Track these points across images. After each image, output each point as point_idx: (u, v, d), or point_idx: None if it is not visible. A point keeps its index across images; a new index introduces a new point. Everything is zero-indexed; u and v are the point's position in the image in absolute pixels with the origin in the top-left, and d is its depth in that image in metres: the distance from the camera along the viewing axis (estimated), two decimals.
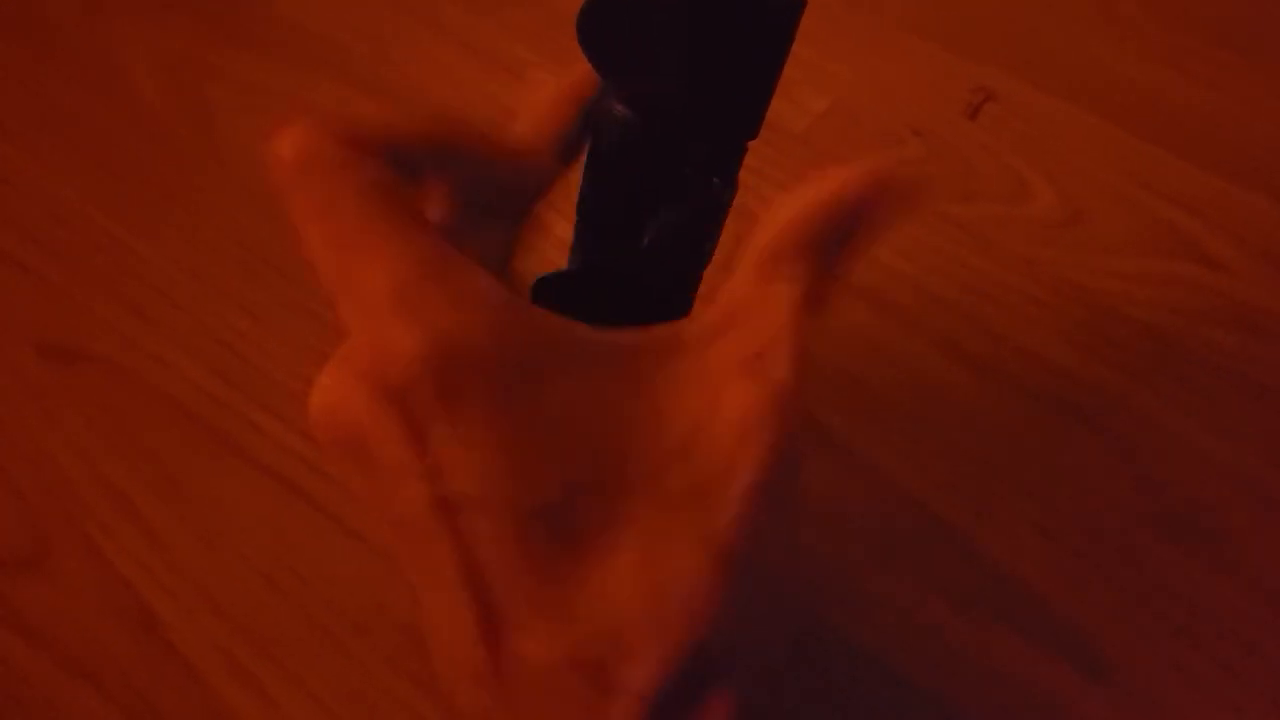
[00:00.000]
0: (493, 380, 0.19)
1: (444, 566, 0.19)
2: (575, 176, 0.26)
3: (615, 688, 0.19)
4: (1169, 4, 0.50)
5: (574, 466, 0.20)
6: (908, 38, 0.49)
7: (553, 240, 0.27)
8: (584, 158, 0.27)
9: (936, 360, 0.39)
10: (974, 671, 0.32)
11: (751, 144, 0.27)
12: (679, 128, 0.28)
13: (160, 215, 0.43)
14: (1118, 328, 0.40)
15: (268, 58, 0.48)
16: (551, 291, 0.27)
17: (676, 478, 0.20)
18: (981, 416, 0.37)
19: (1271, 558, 0.34)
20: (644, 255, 0.28)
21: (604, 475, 0.20)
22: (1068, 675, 0.32)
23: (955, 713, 0.31)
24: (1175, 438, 0.37)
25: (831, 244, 0.23)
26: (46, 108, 0.47)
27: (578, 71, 0.26)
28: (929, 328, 0.40)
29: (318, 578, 0.33)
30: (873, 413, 0.37)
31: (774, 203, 0.22)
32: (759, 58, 0.28)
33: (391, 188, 0.21)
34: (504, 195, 0.25)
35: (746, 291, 0.22)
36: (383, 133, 0.21)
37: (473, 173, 0.24)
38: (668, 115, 0.27)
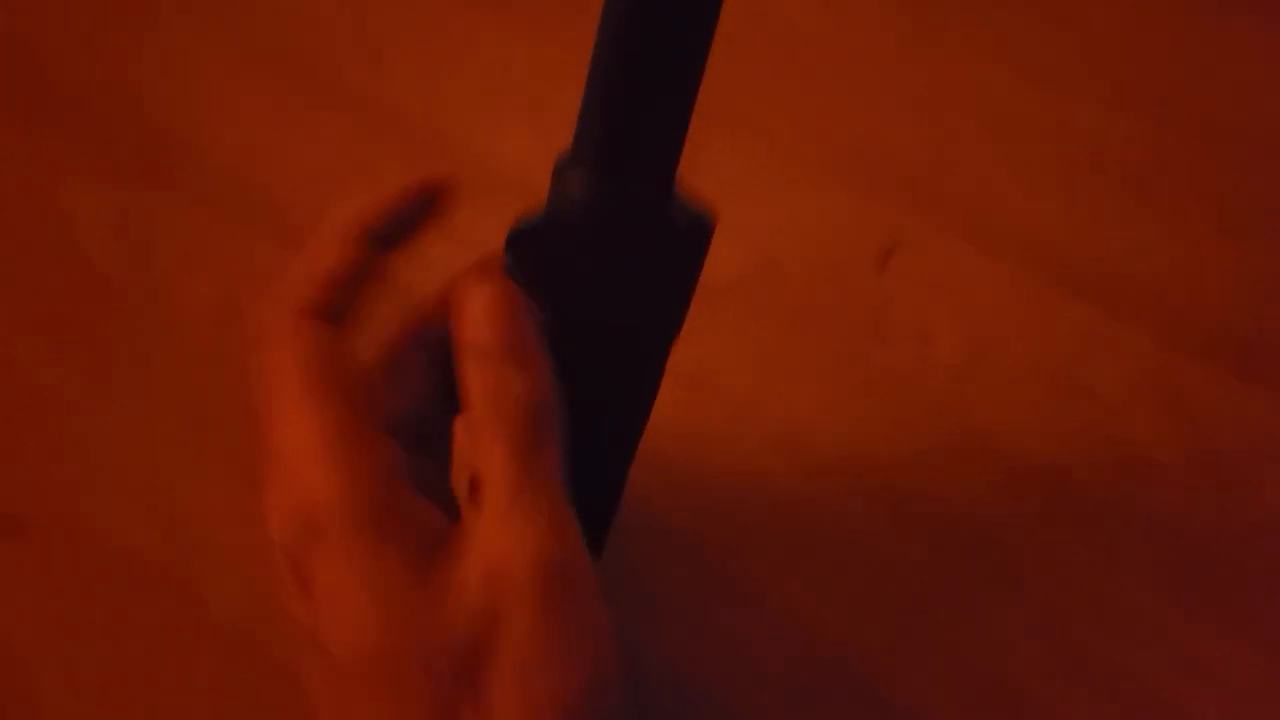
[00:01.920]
0: (336, 536, 0.23)
1: None
2: None
3: None
4: (1073, 142, 0.54)
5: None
6: (824, 185, 0.52)
7: None
8: None
9: (847, 506, 0.41)
10: None
11: None
12: (603, 341, 0.30)
13: (108, 374, 0.45)
14: (1021, 471, 0.42)
15: (211, 214, 0.50)
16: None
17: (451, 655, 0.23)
18: (893, 562, 0.40)
19: (1181, 702, 0.37)
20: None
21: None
22: None
23: None
24: (1078, 581, 0.39)
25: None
26: None
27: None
28: (839, 474, 0.42)
29: None
30: (784, 558, 0.40)
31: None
32: (675, 279, 0.30)
33: (323, 358, 0.25)
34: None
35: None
36: (325, 290, 0.27)
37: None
38: (592, 331, 0.30)
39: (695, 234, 0.30)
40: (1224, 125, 0.53)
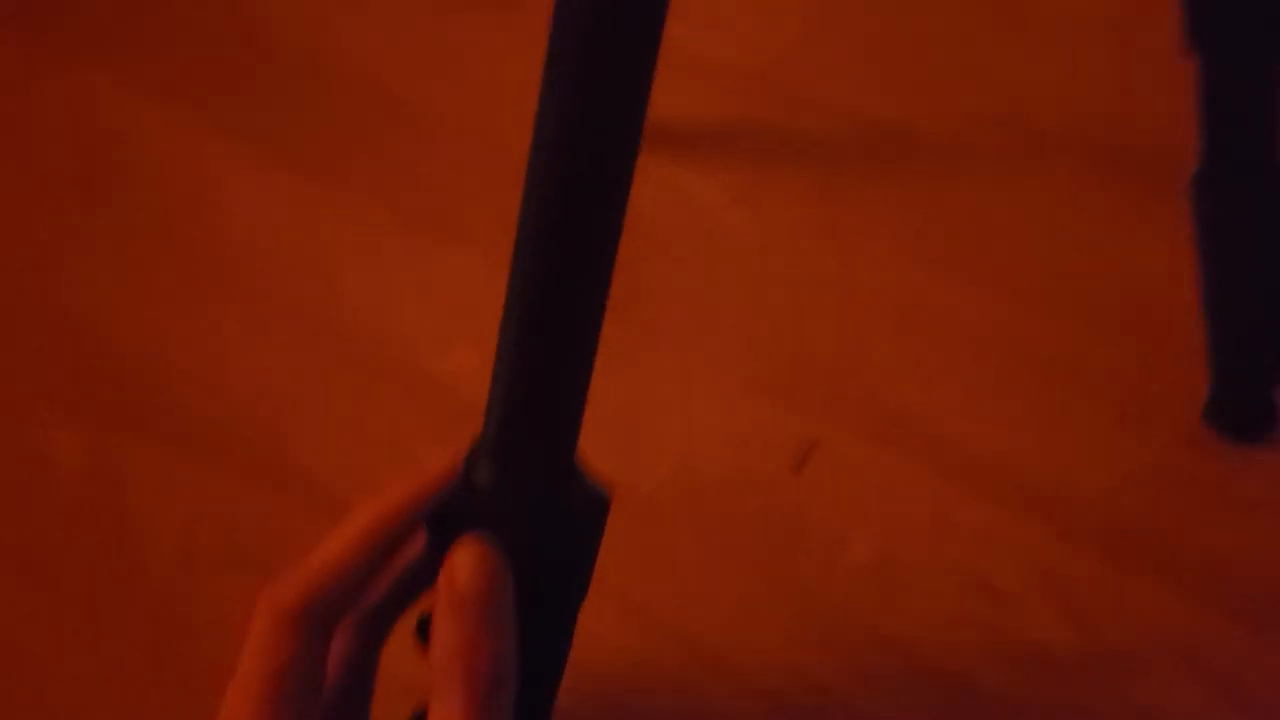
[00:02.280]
0: None
1: None
2: None
3: None
4: (977, 335, 0.58)
5: None
6: (740, 390, 0.56)
7: None
8: None
9: (758, 712, 0.44)
10: None
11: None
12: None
13: (75, 621, 0.48)
14: (923, 673, 0.45)
15: (179, 451, 0.54)
16: None
17: None
18: None
19: None
20: None
21: None
22: None
23: None
24: None
25: None
26: None
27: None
28: (752, 679, 0.45)
29: None
30: None
31: None
32: (577, 551, 0.34)
33: (286, 675, 0.28)
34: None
35: None
36: (324, 595, 0.30)
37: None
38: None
39: (593, 510, 0.34)
40: (1119, 315, 0.58)
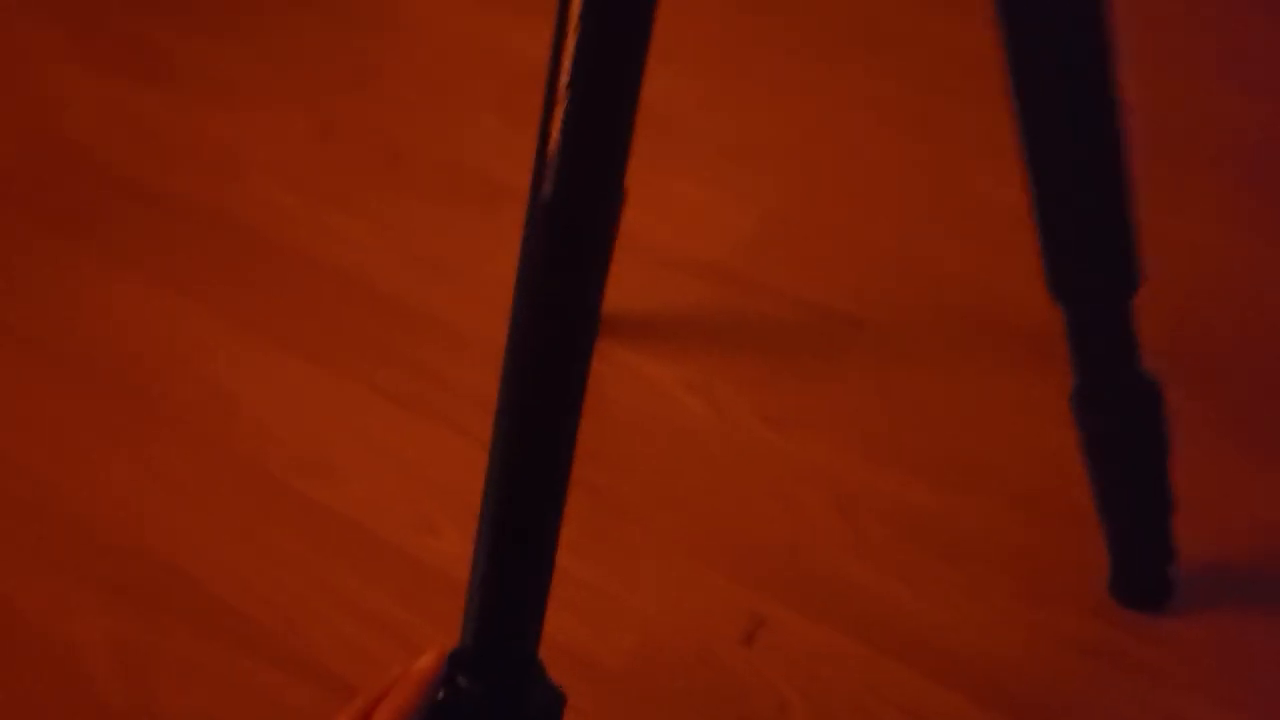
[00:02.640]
0: None
1: None
2: None
3: None
4: (905, 518, 0.64)
5: None
6: (698, 566, 0.62)
7: None
8: None
9: None
10: None
11: (573, 689, 0.39)
12: None
13: None
14: None
15: (205, 640, 0.61)
16: None
17: None
18: None
19: None
20: None
21: None
22: None
23: None
24: None
25: None
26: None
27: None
28: None
29: None
30: None
31: None
32: None
33: None
34: None
35: None
36: None
37: None
38: None
39: (552, 709, 0.41)
40: (1035, 496, 0.64)
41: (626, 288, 0.77)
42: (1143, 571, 0.58)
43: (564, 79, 0.33)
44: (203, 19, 1.08)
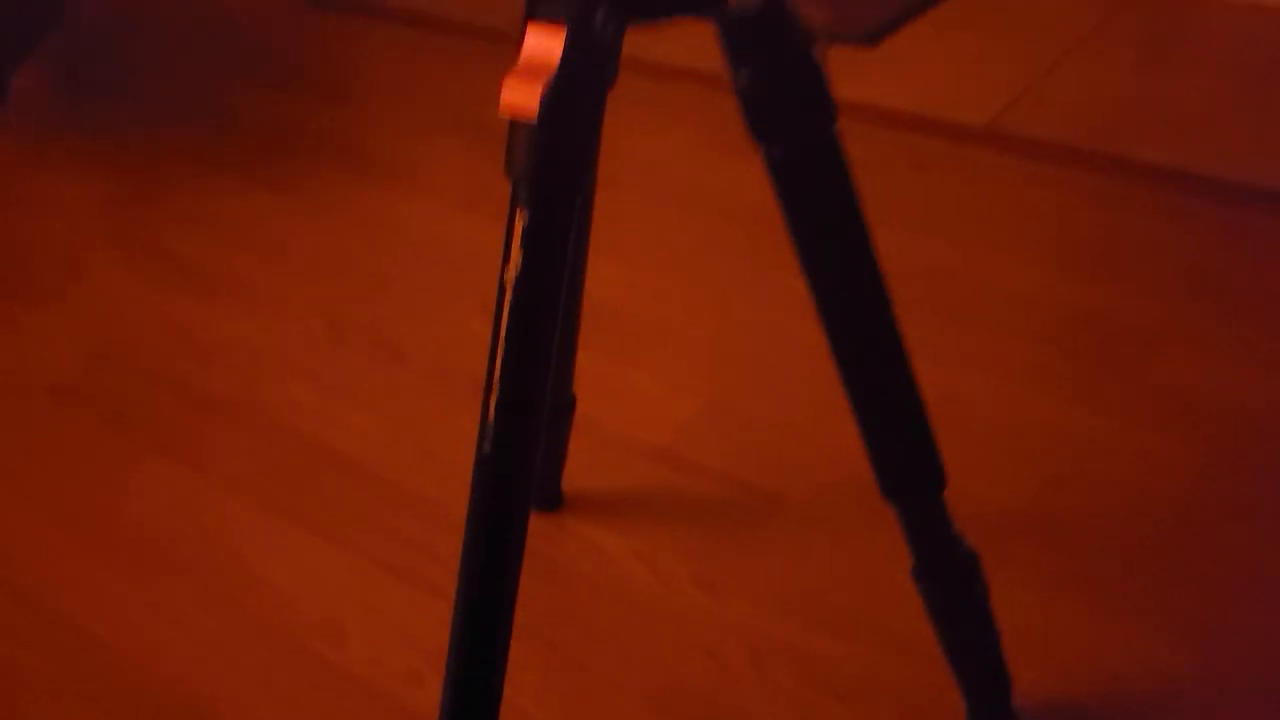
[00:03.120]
0: None
1: None
2: None
3: None
4: (807, 668, 0.77)
5: None
6: (635, 708, 0.75)
7: None
8: None
9: None
10: None
11: None
12: None
13: None
14: None
15: None
16: None
17: None
18: None
19: None
20: None
21: None
22: None
23: None
24: None
25: None
26: None
27: None
28: None
29: None
30: None
31: None
32: None
33: None
34: None
35: None
36: None
37: None
38: None
39: None
40: (910, 640, 0.77)
41: (585, 469, 0.93)
42: (988, 708, 0.71)
43: (496, 377, 0.48)
44: (239, 238, 1.27)
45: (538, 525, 0.87)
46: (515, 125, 0.46)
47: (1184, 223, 1.25)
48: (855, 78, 1.61)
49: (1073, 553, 0.83)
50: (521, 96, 0.45)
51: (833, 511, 0.88)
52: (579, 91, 0.45)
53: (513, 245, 0.47)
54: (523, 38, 0.45)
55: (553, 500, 0.89)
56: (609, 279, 1.17)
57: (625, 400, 1.00)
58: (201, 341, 1.11)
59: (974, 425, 0.96)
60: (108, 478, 0.96)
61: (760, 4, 0.48)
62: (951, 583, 0.64)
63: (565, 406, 0.83)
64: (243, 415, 1.02)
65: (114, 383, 1.07)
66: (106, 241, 1.29)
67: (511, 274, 0.47)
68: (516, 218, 0.47)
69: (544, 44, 0.45)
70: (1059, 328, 1.07)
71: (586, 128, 0.47)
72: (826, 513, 0.88)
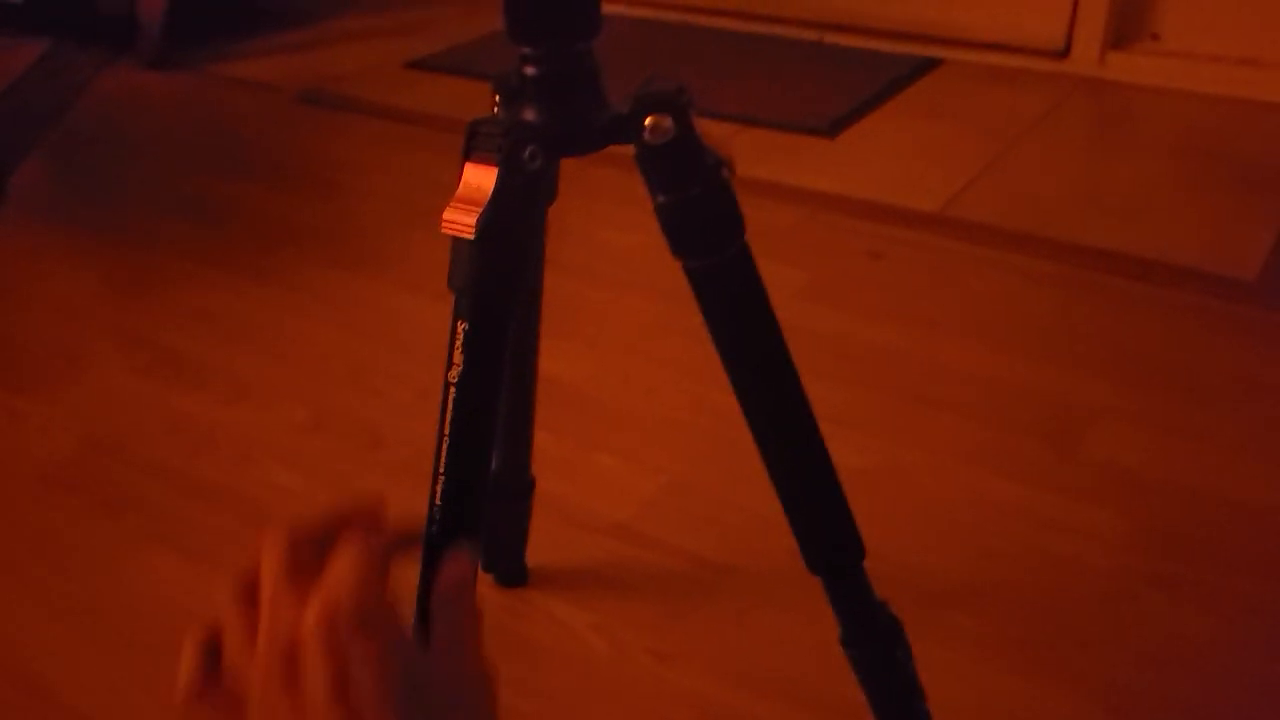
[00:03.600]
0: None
1: None
2: None
3: None
4: None
5: None
6: None
7: None
8: None
9: None
10: None
11: None
12: None
13: None
14: None
15: None
16: None
17: None
18: None
19: None
20: None
21: None
22: None
23: None
24: None
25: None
26: None
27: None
28: None
29: None
30: None
31: None
32: None
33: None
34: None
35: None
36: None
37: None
38: None
39: None
40: (845, 703, 0.82)
41: (550, 544, 0.98)
42: None
43: (441, 467, 0.54)
44: (229, 329, 1.34)
45: (502, 600, 0.93)
46: (457, 242, 0.53)
47: (1125, 304, 1.32)
48: (815, 167, 1.70)
49: (1006, 622, 0.89)
50: (461, 218, 0.52)
51: (782, 583, 0.93)
52: (511, 218, 0.52)
53: (455, 350, 0.53)
54: (460, 174, 0.52)
55: (518, 576, 0.94)
56: (577, 363, 1.24)
57: (590, 479, 1.06)
58: (190, 429, 1.17)
59: (914, 497, 1.02)
60: (97, 564, 1.02)
61: (672, 135, 0.55)
62: (875, 648, 0.69)
63: (525, 488, 0.89)
64: (228, 501, 1.07)
65: (105, 470, 1.12)
66: (101, 333, 1.36)
67: (454, 375, 0.53)
68: (458, 326, 0.53)
69: (479, 179, 0.52)
70: (1002, 405, 1.14)
71: (519, 247, 0.54)
72: (776, 584, 0.93)
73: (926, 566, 0.94)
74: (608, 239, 1.48)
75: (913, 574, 0.93)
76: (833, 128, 1.81)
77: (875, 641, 0.69)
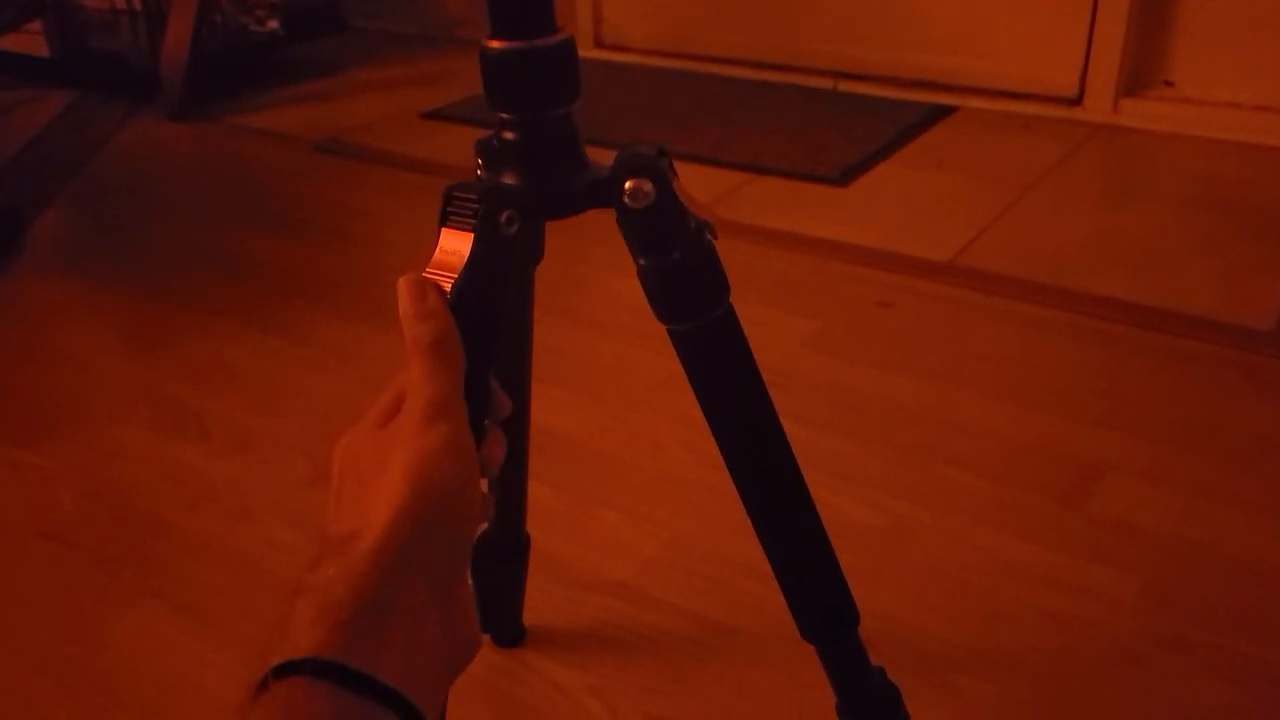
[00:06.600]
0: None
1: None
2: None
3: None
4: None
5: None
6: None
7: None
8: None
9: None
10: None
11: None
12: None
13: None
14: None
15: None
16: None
17: None
18: None
19: None
20: None
21: None
22: None
23: None
24: None
25: None
26: None
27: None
28: None
29: None
30: None
31: None
32: None
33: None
34: None
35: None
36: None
37: None
38: None
39: None
40: None
41: (549, 604, 0.97)
42: None
43: None
44: (238, 382, 1.34)
45: (498, 661, 0.91)
46: None
47: (1139, 355, 1.30)
48: (826, 216, 1.70)
49: (1013, 685, 0.86)
50: (438, 281, 0.51)
51: (784, 645, 0.91)
52: (488, 283, 0.51)
53: None
54: (437, 239, 0.52)
55: (515, 636, 0.93)
56: (583, 417, 1.23)
57: (592, 537, 1.04)
58: (192, 483, 1.16)
59: (921, 556, 1.00)
60: (92, 620, 1.01)
61: (652, 199, 0.54)
62: (873, 714, 0.67)
63: (520, 547, 0.87)
64: (225, 556, 1.06)
65: (104, 524, 1.12)
66: (110, 385, 1.36)
67: None
68: None
69: (455, 244, 0.51)
70: (1013, 460, 1.12)
71: (496, 310, 0.53)
72: (778, 646, 0.91)
73: (932, 627, 0.92)
74: (620, 288, 1.47)
75: (918, 635, 0.91)
76: (844, 176, 1.81)
77: (872, 710, 0.67)
